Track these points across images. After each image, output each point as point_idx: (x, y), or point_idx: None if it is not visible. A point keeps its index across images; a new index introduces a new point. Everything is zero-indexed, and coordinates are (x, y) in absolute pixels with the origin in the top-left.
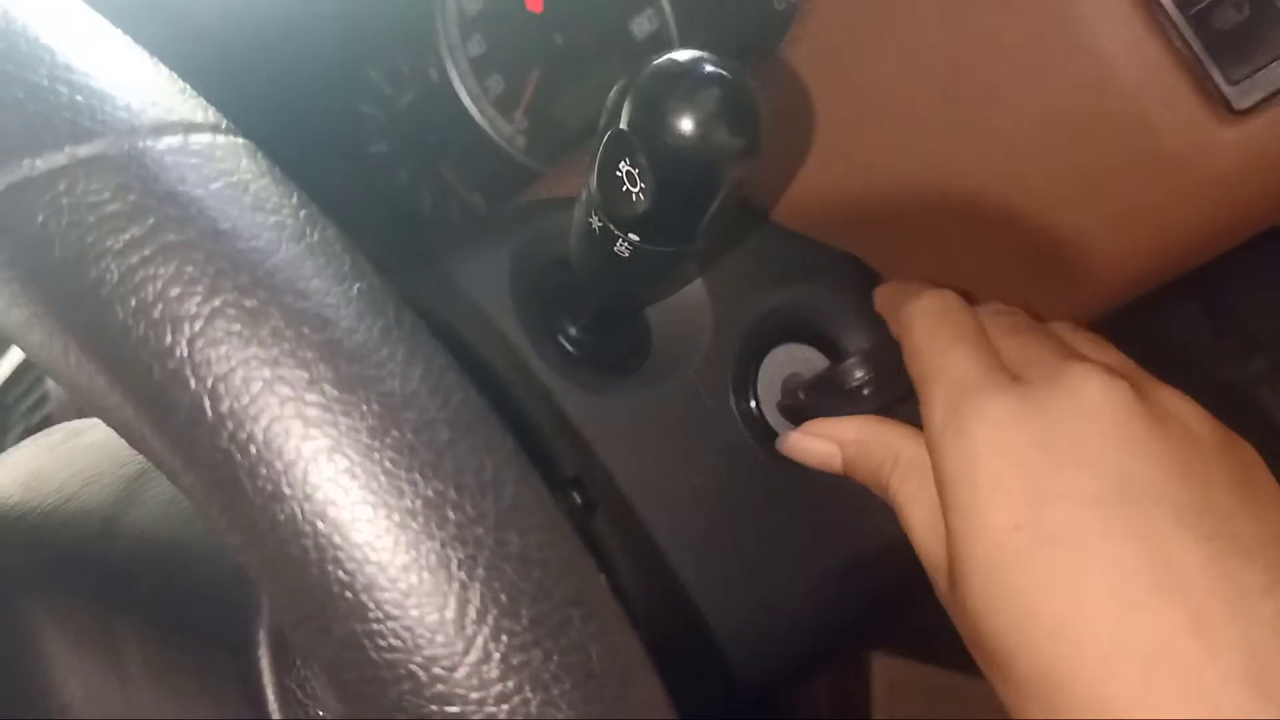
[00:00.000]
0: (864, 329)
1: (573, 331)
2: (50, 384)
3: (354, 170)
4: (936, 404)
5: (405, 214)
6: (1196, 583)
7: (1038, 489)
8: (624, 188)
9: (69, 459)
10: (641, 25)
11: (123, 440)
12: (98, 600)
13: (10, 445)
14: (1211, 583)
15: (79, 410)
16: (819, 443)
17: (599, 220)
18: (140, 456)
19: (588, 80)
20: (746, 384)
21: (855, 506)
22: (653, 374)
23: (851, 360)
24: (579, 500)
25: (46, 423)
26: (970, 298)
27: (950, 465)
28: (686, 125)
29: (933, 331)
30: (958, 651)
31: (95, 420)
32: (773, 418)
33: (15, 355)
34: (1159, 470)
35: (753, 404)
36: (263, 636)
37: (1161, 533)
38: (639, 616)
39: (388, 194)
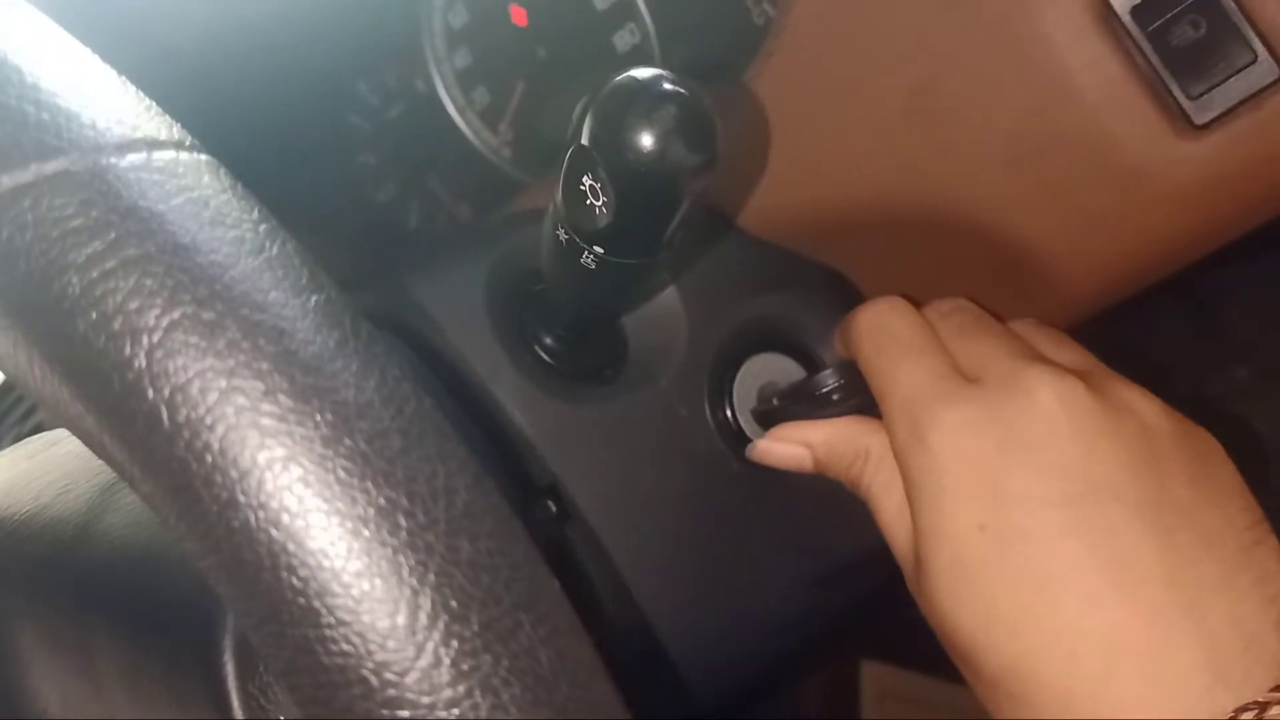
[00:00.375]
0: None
1: (548, 341)
2: None
3: (340, 181)
4: (895, 418)
5: (391, 225)
6: (1154, 576)
7: (999, 491)
8: (587, 201)
9: (45, 468)
10: (624, 39)
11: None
12: (72, 606)
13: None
14: (1170, 575)
15: None
16: (789, 447)
17: (565, 233)
18: None
19: (572, 93)
20: (722, 393)
21: (833, 515)
22: (628, 383)
23: (826, 371)
24: (553, 509)
25: (37, 430)
26: (914, 300)
27: (915, 473)
28: (645, 141)
29: (878, 349)
30: (947, 659)
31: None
32: (748, 427)
33: None
34: (1116, 467)
35: (728, 413)
36: (228, 642)
37: (1119, 529)
38: (613, 625)
39: (374, 205)
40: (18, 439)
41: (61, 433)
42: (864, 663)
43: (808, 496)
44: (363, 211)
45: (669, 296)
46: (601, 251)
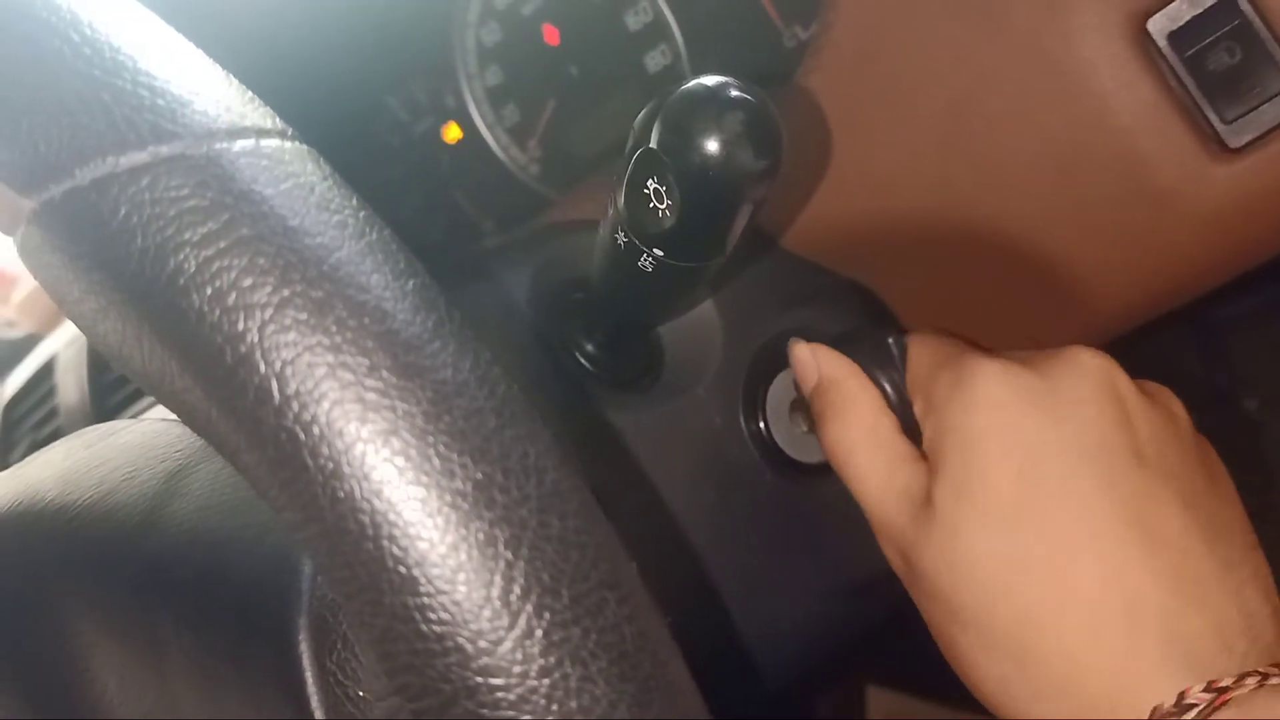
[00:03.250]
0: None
1: (588, 348)
2: (59, 398)
3: (367, 195)
4: (941, 366)
5: (416, 239)
6: (1177, 544)
7: (1039, 440)
8: (651, 204)
9: (105, 456)
10: (655, 60)
11: (160, 439)
12: (136, 591)
13: (18, 459)
14: (1190, 545)
15: (87, 424)
16: (807, 360)
17: (625, 236)
18: (179, 453)
19: (601, 112)
20: (755, 405)
21: (862, 528)
22: (664, 392)
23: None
24: None
25: (54, 436)
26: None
27: (952, 417)
28: (713, 145)
29: (919, 351)
30: (951, 684)
31: (129, 422)
32: (781, 438)
33: (25, 370)
34: (1149, 439)
35: (761, 425)
36: (303, 622)
37: (1150, 494)
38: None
39: (400, 219)
40: (34, 446)
41: (119, 424)
42: (870, 689)
43: (836, 509)
44: (390, 226)
45: (705, 308)
46: (661, 254)
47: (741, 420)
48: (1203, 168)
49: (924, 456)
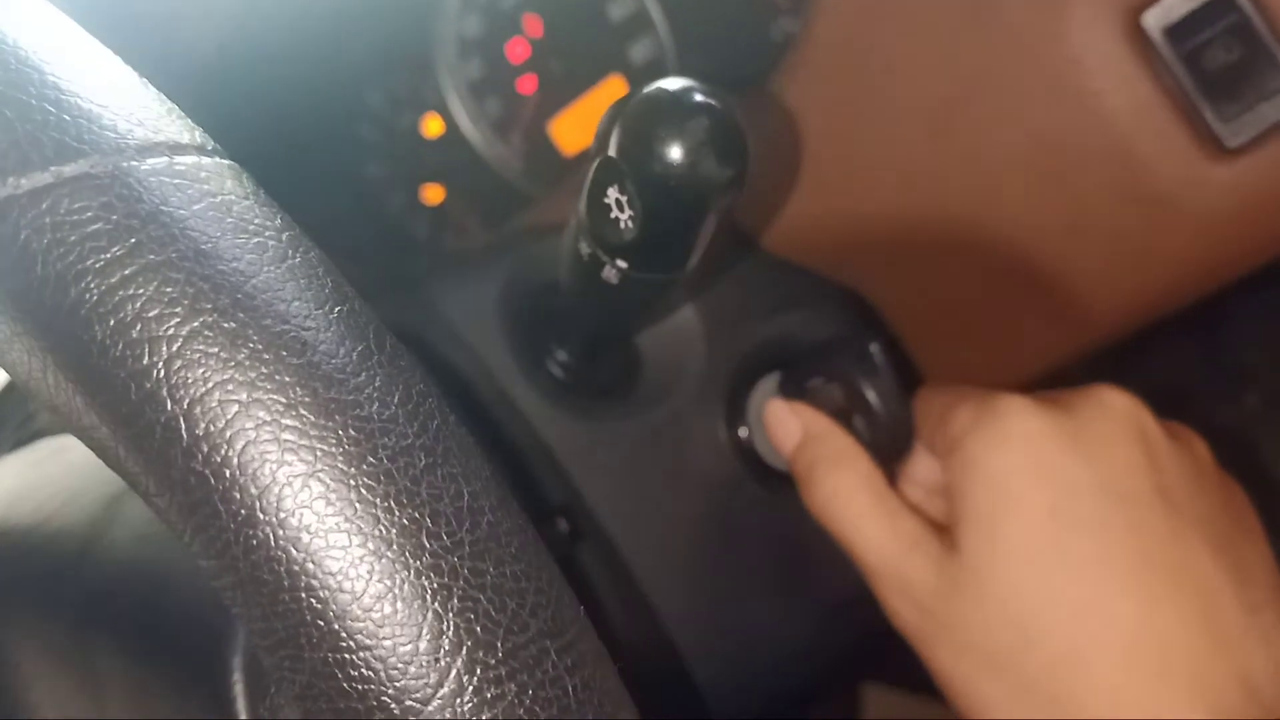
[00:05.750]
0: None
1: (562, 358)
2: None
3: (348, 193)
4: (964, 401)
5: (400, 237)
6: (1205, 588)
7: (1071, 480)
8: (612, 214)
9: (51, 477)
10: (639, 52)
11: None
12: (75, 620)
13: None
14: (1218, 589)
15: None
16: (789, 421)
17: (588, 246)
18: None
19: (585, 105)
20: (736, 413)
21: None
22: (642, 402)
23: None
24: (566, 528)
25: (36, 437)
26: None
27: (978, 454)
28: (675, 154)
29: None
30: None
31: (74, 440)
32: (763, 447)
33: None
34: (1178, 480)
35: (743, 433)
36: (238, 662)
37: (1181, 535)
38: (624, 646)
39: (382, 217)
40: (19, 444)
41: (69, 439)
42: (865, 686)
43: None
44: (370, 223)
45: (684, 314)
46: (625, 266)
47: (722, 429)
48: (1200, 168)
49: (916, 508)
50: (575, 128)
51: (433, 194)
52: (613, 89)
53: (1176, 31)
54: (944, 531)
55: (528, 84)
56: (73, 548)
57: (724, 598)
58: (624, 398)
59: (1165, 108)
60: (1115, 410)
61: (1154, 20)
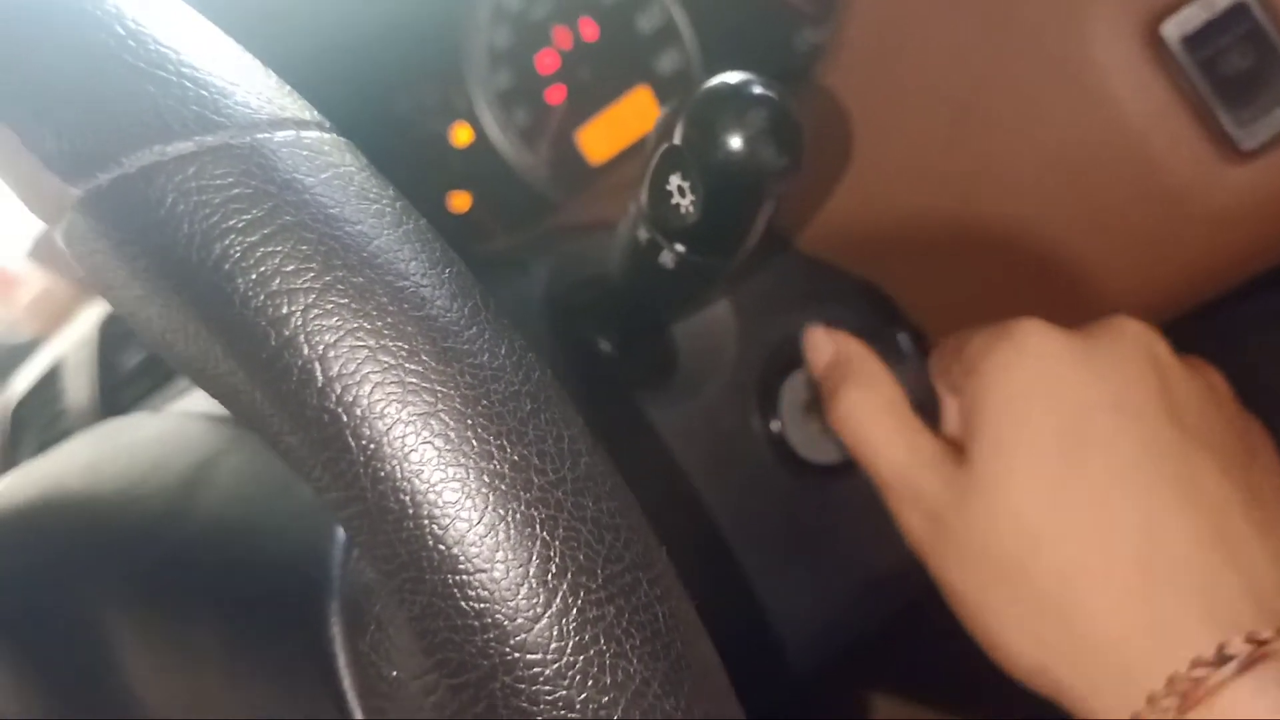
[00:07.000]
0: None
1: (602, 347)
2: (68, 399)
3: None
4: (979, 335)
5: None
6: (1214, 504)
7: (1081, 395)
8: (674, 200)
9: (130, 448)
10: (666, 63)
11: (184, 430)
12: (166, 581)
13: (25, 458)
14: (1227, 507)
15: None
16: (825, 341)
17: (646, 231)
18: (206, 443)
19: (612, 115)
20: (768, 404)
21: (875, 530)
22: (678, 391)
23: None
24: None
25: (63, 437)
26: None
27: (991, 374)
28: (736, 142)
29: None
30: (957, 692)
31: (149, 415)
32: (794, 438)
33: (34, 370)
34: (1191, 403)
35: (775, 424)
36: (334, 606)
37: (1191, 455)
38: None
39: None
40: (43, 445)
41: (141, 416)
42: (874, 696)
43: (849, 510)
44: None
45: (719, 307)
46: (683, 250)
47: (755, 420)
48: (1216, 170)
49: (941, 434)
50: (602, 137)
51: (459, 201)
52: (639, 99)
53: (1194, 39)
54: (959, 450)
55: (556, 94)
56: (161, 510)
57: (751, 583)
58: (659, 388)
59: (1182, 111)
60: (1128, 334)
61: (1173, 29)
